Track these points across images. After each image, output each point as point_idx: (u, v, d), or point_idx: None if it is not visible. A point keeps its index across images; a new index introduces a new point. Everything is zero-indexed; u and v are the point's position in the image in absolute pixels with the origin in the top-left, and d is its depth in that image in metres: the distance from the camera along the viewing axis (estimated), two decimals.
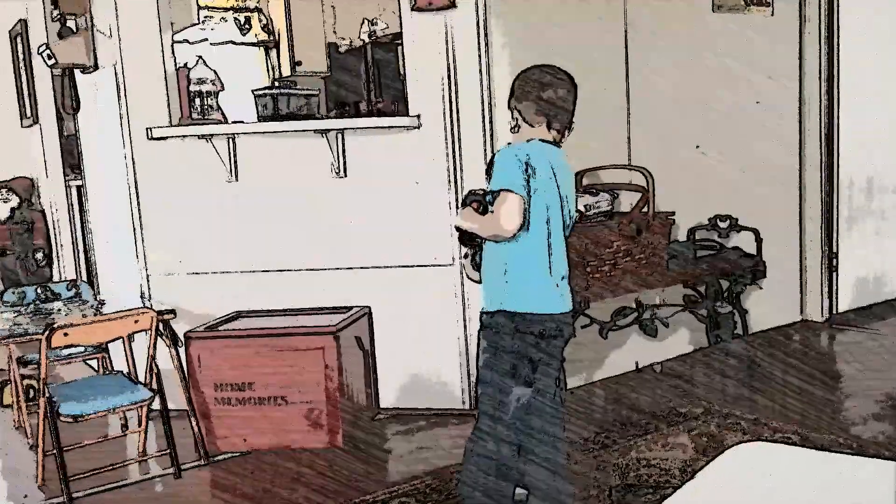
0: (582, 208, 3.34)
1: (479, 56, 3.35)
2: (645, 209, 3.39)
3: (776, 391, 3.49)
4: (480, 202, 2.24)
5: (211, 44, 4.84)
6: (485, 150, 3.36)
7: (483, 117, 3.35)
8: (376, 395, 3.52)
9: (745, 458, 2.29)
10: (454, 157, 3.39)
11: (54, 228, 4.94)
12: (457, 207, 2.28)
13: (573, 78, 2.34)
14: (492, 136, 3.37)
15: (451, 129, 3.39)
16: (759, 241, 3.70)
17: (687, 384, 3.60)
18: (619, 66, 3.70)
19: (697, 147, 3.71)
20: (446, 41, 3.39)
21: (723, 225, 3.74)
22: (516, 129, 2.30)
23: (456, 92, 3.37)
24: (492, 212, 2.16)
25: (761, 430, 3.08)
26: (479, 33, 3.35)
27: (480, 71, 3.35)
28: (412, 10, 3.41)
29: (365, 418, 3.37)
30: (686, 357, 3.80)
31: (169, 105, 3.69)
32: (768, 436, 3.02)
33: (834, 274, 4.27)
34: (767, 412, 3.25)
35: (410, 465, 2.98)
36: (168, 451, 3.00)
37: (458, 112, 3.38)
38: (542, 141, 2.26)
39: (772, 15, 4.09)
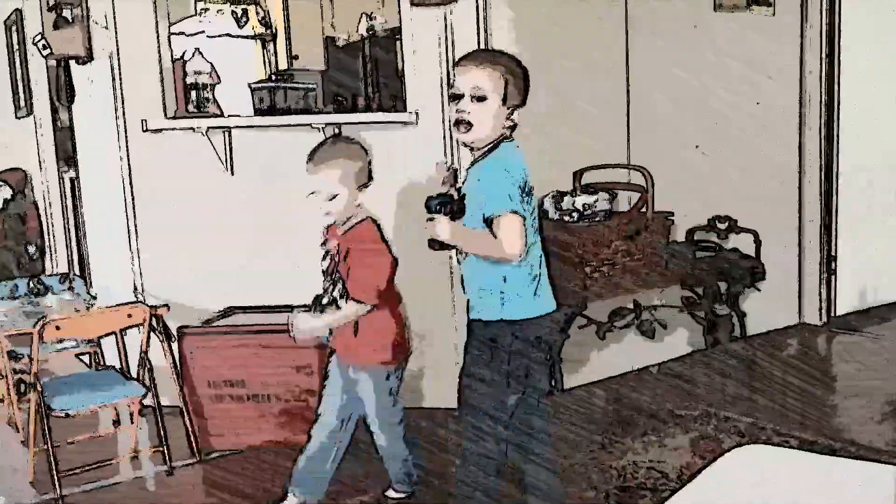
0: (580, 207, 3.32)
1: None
2: (644, 209, 3.37)
3: (774, 394, 3.48)
4: (451, 208, 2.12)
5: (207, 36, 4.81)
6: None
7: None
8: None
9: (744, 461, 2.28)
10: (451, 153, 3.36)
11: (47, 221, 4.89)
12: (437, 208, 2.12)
13: None
14: None
15: (449, 126, 3.35)
16: (758, 242, 3.68)
17: (684, 386, 3.58)
18: (620, 65, 3.68)
19: (697, 147, 3.69)
20: (446, 36, 3.36)
21: (721, 226, 3.73)
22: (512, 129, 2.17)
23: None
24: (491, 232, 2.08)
25: (759, 433, 3.07)
26: (478, 29, 3.33)
27: None
28: (412, 5, 3.39)
29: None
30: (684, 359, 3.78)
31: (164, 97, 3.65)
32: (766, 438, 3.01)
33: (833, 277, 4.26)
34: (765, 415, 3.23)
35: None
36: (161, 447, 2.97)
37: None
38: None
39: (773, 15, 4.06)
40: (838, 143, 4.22)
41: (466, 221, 2.13)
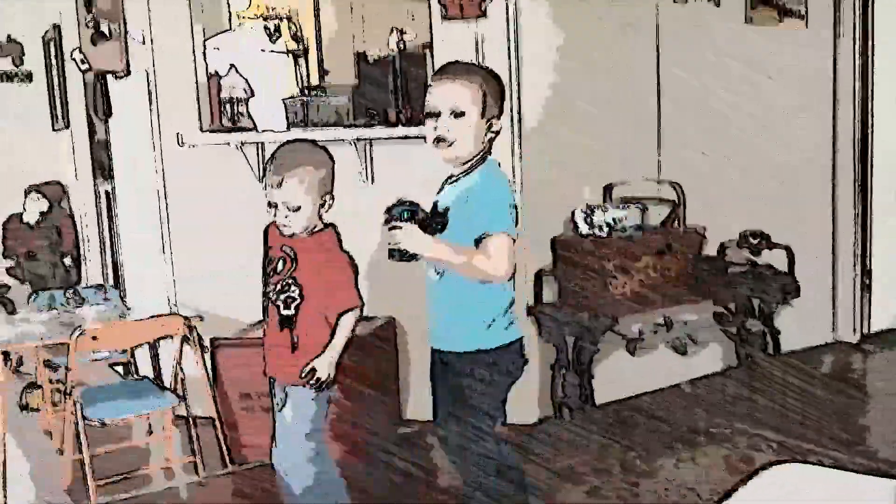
0: (610, 221, 3.31)
1: (510, 66, 3.34)
2: (675, 223, 3.35)
3: (808, 412, 3.42)
4: (419, 217, 2.04)
5: (241, 51, 4.87)
6: (512, 163, 3.34)
7: (512, 128, 3.33)
8: (399, 406, 3.51)
9: (778, 479, 2.25)
10: None
11: (83, 233, 4.97)
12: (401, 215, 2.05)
13: None
14: (520, 145, 3.35)
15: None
16: (791, 258, 3.64)
17: (716, 403, 3.55)
18: (651, 77, 3.67)
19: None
20: (476, 51, 3.38)
21: (754, 241, 3.69)
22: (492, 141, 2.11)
23: None
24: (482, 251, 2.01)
25: (792, 451, 3.03)
26: (509, 43, 3.34)
27: (510, 81, 3.33)
28: (443, 19, 3.42)
29: (394, 428, 3.36)
30: (715, 376, 3.75)
31: (199, 111, 3.71)
32: (800, 457, 2.97)
33: (867, 292, 4.20)
34: (799, 433, 3.19)
35: (444, 478, 2.95)
36: (193, 457, 3.00)
37: None
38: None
39: (806, 27, 4.04)
40: (872, 156, 4.17)
41: (450, 237, 2.06)
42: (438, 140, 2.06)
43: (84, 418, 2.84)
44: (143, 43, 3.69)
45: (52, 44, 5.05)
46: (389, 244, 2.04)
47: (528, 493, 2.22)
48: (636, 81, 3.64)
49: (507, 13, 3.33)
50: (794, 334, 3.84)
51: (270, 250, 2.31)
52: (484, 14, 3.34)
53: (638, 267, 3.25)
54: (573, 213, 3.38)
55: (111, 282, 4.18)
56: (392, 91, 4.68)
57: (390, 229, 2.03)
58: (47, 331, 3.08)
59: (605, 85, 3.53)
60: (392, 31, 5.20)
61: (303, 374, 2.22)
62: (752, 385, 3.65)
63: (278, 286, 2.25)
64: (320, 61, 5.07)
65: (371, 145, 3.61)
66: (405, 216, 2.03)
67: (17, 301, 4.30)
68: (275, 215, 2.22)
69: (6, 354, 3.02)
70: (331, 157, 2.26)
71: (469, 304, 2.09)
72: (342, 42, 5.05)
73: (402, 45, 5.08)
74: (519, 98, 3.33)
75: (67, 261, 4.91)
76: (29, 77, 5.25)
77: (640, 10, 3.63)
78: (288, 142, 2.37)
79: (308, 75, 5.13)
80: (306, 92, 4.99)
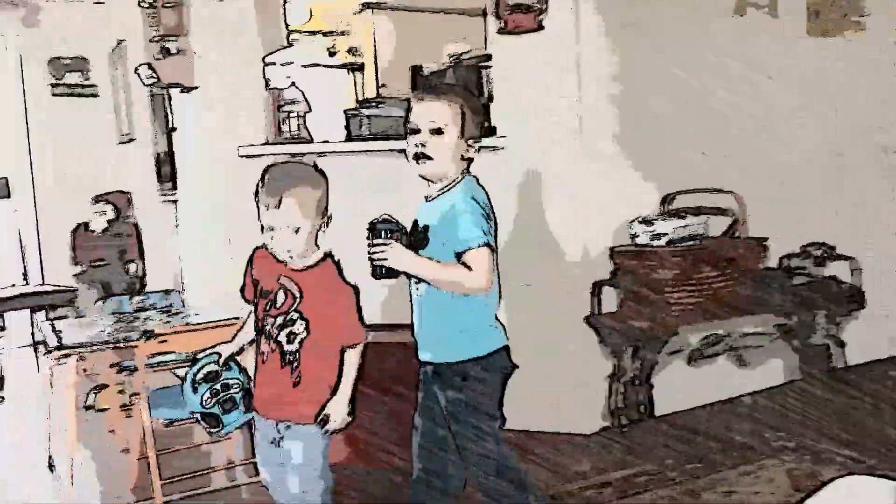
0: (669, 232, 3.29)
1: (568, 78, 3.35)
2: (736, 234, 3.32)
3: (874, 427, 3.34)
4: (399, 235, 2.07)
5: (299, 66, 4.98)
6: (572, 172, 3.34)
7: (574, 140, 3.34)
8: None
9: (844, 493, 2.20)
10: (540, 177, 3.38)
11: (147, 241, 5.12)
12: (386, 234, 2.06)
13: None
14: (579, 155, 3.35)
15: (537, 151, 3.39)
16: (856, 270, 3.57)
17: (778, 417, 3.48)
18: (710, 88, 3.65)
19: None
20: (533, 63, 3.40)
21: (816, 252, 3.63)
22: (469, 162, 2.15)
23: (542, 113, 3.37)
24: (464, 264, 2.05)
25: (856, 466, 2.96)
26: (566, 55, 3.35)
27: (568, 93, 3.35)
28: (499, 32, 3.45)
29: None
30: (777, 389, 3.68)
31: (260, 124, 3.80)
32: (867, 473, 2.89)
33: None
34: (865, 448, 3.11)
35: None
36: (254, 458, 3.04)
37: (544, 133, 3.38)
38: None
39: (866, 36, 3.97)
40: None
41: (430, 253, 2.10)
42: (418, 156, 2.10)
43: (151, 418, 2.90)
44: (206, 58, 3.80)
45: (117, 59, 5.23)
46: (373, 262, 2.07)
47: (529, 493, 2.23)
48: (697, 90, 3.62)
49: (565, 25, 3.34)
50: (860, 347, 3.75)
51: (262, 281, 2.18)
52: (541, 27, 3.36)
53: (698, 278, 3.21)
54: (631, 223, 3.37)
55: (173, 288, 4.28)
56: None
57: (374, 247, 2.06)
58: (115, 334, 3.17)
59: (665, 94, 3.52)
60: (447, 45, 5.27)
61: (318, 420, 2.12)
62: (815, 399, 3.57)
63: (278, 320, 2.12)
64: (376, 75, 5.16)
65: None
66: (388, 234, 2.05)
67: (85, 306, 4.46)
68: (271, 239, 2.10)
69: (76, 358, 3.10)
70: (325, 177, 2.16)
71: (456, 315, 2.13)
72: (398, 55, 5.13)
73: (456, 59, 5.13)
74: (577, 108, 3.34)
75: (132, 267, 5.05)
76: (95, 91, 5.45)
77: (698, 21, 3.62)
78: (280, 163, 2.24)
79: (364, 88, 5.22)
80: (362, 105, 5.06)
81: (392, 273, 2.08)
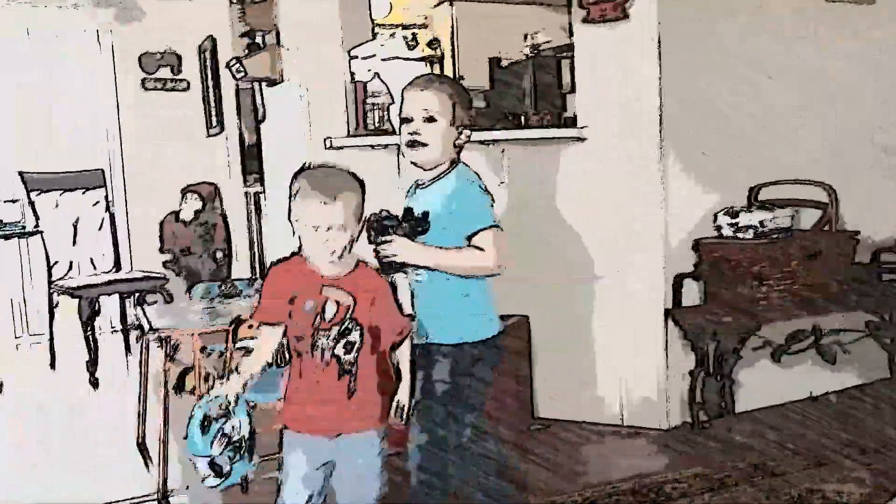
0: (757, 224, 3.22)
1: (653, 67, 3.31)
2: (826, 227, 3.23)
3: None
4: (400, 227, 2.12)
5: (380, 59, 5.05)
6: (656, 161, 3.31)
7: (655, 129, 3.30)
8: (531, 404, 3.53)
9: None
10: (622, 167, 3.36)
11: (233, 230, 5.28)
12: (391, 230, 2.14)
13: None
14: (663, 146, 3.31)
15: (620, 142, 3.36)
16: None
17: (865, 416, 3.38)
18: (799, 75, 3.56)
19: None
20: (617, 53, 3.37)
21: None
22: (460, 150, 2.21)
23: (627, 103, 3.34)
24: (475, 247, 2.11)
25: None
26: (651, 46, 3.31)
27: (653, 83, 3.31)
28: (583, 22, 3.43)
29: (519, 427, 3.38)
30: (865, 387, 3.58)
31: (347, 116, 3.87)
32: None
33: None
34: None
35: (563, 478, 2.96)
36: None
37: (628, 123, 3.35)
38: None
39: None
40: None
41: (429, 239, 2.13)
42: (412, 143, 2.18)
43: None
44: (295, 52, 3.88)
45: (207, 53, 5.39)
46: (381, 258, 2.12)
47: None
48: (782, 81, 3.54)
49: (650, 15, 3.30)
50: None
51: (300, 297, 2.04)
52: (626, 16, 3.33)
53: (786, 272, 3.14)
54: (716, 215, 3.31)
55: (259, 276, 4.40)
56: (526, 95, 4.73)
57: (381, 244, 2.11)
58: (204, 319, 3.28)
59: (749, 85, 3.45)
60: (526, 36, 5.26)
61: (395, 414, 2.10)
62: None
63: (332, 332, 2.02)
64: (455, 67, 5.19)
65: (503, 149, 3.66)
66: (392, 229, 2.10)
67: (173, 292, 4.63)
68: (321, 241, 2.00)
69: (167, 341, 3.23)
70: (363, 185, 2.13)
71: (457, 300, 2.17)
72: (477, 48, 5.15)
73: (535, 50, 5.12)
74: (661, 98, 3.30)
75: (219, 256, 5.22)
76: (186, 85, 5.63)
77: (786, 11, 3.53)
78: (318, 166, 2.18)
79: None
80: None
81: (403, 266, 2.13)
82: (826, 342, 3.25)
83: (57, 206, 4.82)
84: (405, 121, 2.20)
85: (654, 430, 3.34)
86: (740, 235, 3.21)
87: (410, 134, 2.18)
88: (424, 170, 2.23)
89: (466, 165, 2.24)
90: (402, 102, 2.22)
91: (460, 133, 2.20)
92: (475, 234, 2.11)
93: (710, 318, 3.20)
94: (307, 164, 2.15)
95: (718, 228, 3.30)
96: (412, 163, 2.24)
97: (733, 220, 3.23)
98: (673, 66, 3.30)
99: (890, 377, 3.54)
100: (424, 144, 2.17)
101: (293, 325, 2.05)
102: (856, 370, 3.56)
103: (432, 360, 2.21)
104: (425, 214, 2.15)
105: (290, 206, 2.08)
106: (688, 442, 3.24)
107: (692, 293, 3.36)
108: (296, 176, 2.10)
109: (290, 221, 2.07)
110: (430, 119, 2.16)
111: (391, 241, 2.11)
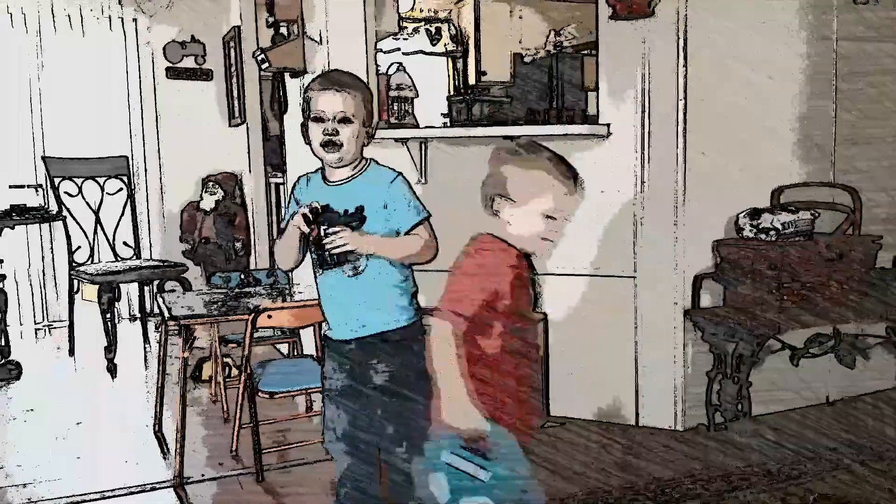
0: (778, 226, 3.20)
1: (677, 66, 3.29)
2: (849, 231, 3.20)
3: None
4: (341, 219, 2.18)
5: (403, 53, 5.05)
6: (676, 161, 3.29)
7: (677, 129, 3.28)
8: (546, 402, 3.52)
9: None
10: (642, 166, 3.34)
11: (253, 221, 5.30)
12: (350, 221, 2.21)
13: None
14: (685, 148, 3.30)
15: (642, 139, 3.35)
16: None
17: (883, 422, 3.35)
18: (824, 76, 3.52)
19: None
20: (643, 50, 3.35)
21: None
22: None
23: (649, 101, 3.33)
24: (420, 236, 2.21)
25: None
26: (677, 43, 3.29)
27: (677, 81, 3.29)
28: (609, 18, 3.41)
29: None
30: (884, 393, 3.54)
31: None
32: None
33: None
34: None
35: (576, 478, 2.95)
36: None
37: (650, 122, 3.33)
38: None
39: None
40: None
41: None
42: (328, 144, 2.19)
43: (256, 390, 3.02)
44: (320, 43, 3.89)
45: (231, 44, 5.41)
46: (326, 252, 2.18)
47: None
48: (806, 82, 3.50)
49: (677, 12, 3.28)
50: None
51: None
52: (652, 13, 3.31)
53: (806, 275, 3.11)
54: (738, 217, 3.29)
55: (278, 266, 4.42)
56: (547, 90, 4.73)
57: (327, 235, 2.16)
58: (223, 308, 3.30)
59: (774, 85, 3.42)
60: (549, 32, 5.24)
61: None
62: None
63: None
64: (478, 62, 5.18)
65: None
66: (353, 223, 2.16)
67: (193, 280, 4.66)
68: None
69: (186, 329, 3.25)
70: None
71: (387, 292, 2.24)
72: (500, 42, 5.14)
73: (558, 47, 5.10)
74: (685, 96, 3.28)
75: (238, 246, 5.25)
76: (209, 75, 5.66)
77: (816, 13, 3.50)
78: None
79: (466, 75, 5.25)
80: (465, 91, 5.10)
81: (342, 258, 2.19)
82: (845, 347, 3.22)
83: (80, 192, 4.86)
84: (317, 120, 2.20)
85: (670, 430, 3.33)
86: (762, 237, 3.19)
87: (326, 134, 2.19)
88: (333, 168, 2.24)
89: (376, 161, 2.29)
90: (310, 101, 2.22)
91: (368, 133, 2.25)
92: (417, 224, 2.21)
93: (729, 320, 3.18)
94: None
95: (740, 230, 3.27)
96: (326, 164, 2.26)
97: (755, 222, 3.20)
98: (698, 64, 3.28)
99: None
100: (340, 145, 2.19)
101: None
102: (873, 375, 3.52)
103: (377, 349, 2.24)
104: (360, 208, 2.21)
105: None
106: (703, 444, 3.23)
107: (712, 294, 3.35)
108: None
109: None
110: (345, 120, 2.18)
111: (339, 232, 2.15)
